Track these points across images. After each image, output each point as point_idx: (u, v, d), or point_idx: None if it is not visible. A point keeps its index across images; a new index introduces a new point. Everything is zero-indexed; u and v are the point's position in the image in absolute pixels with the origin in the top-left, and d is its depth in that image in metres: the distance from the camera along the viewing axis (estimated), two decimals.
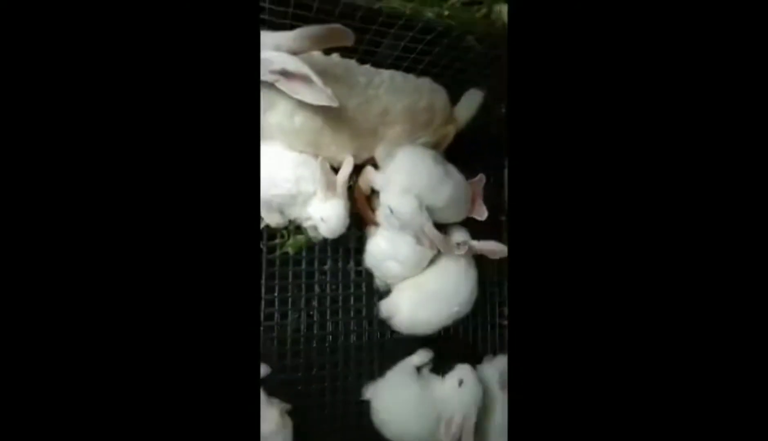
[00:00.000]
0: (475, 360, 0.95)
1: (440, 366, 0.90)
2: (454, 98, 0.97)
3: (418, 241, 0.84)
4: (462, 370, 0.84)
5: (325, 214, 0.83)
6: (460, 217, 0.95)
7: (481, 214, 0.95)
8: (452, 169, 0.93)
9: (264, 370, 0.84)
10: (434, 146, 0.96)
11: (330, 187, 0.82)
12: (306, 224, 0.88)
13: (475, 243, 0.88)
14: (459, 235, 0.93)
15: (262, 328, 0.87)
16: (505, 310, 1.07)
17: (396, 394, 0.87)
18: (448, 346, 0.99)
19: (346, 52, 0.85)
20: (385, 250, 0.88)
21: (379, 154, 0.88)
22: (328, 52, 0.83)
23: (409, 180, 0.85)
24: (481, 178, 0.96)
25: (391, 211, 0.84)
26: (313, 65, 0.72)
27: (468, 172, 0.97)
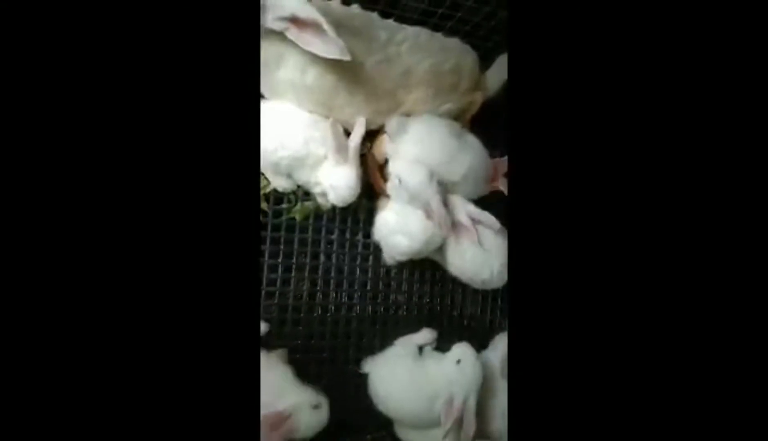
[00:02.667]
0: (480, 343, 0.91)
1: (445, 347, 0.87)
2: (486, 62, 0.88)
3: (428, 214, 0.79)
4: (460, 349, 0.80)
5: (335, 181, 0.78)
6: (480, 193, 0.88)
7: (506, 186, 0.88)
8: (472, 141, 0.85)
9: (264, 327, 0.83)
10: (459, 114, 0.89)
11: (341, 151, 0.76)
12: (315, 190, 0.83)
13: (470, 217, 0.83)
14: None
15: (263, 293, 0.86)
16: None
17: (393, 370, 0.84)
18: (453, 327, 0.96)
19: (367, 4, 0.77)
20: (394, 224, 0.83)
21: (391, 125, 0.81)
22: (347, 1, 0.75)
23: (421, 152, 0.80)
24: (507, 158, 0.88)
25: (400, 182, 0.78)
26: (329, 15, 0.65)
27: (495, 144, 0.89)
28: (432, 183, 0.78)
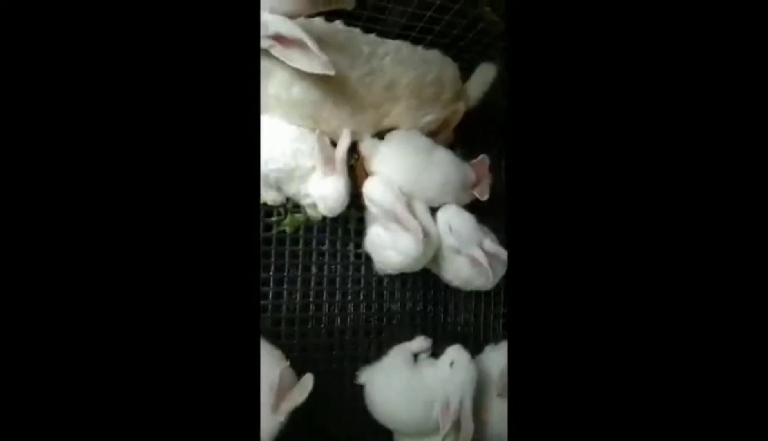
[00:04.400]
0: (475, 348, 0.92)
1: (440, 354, 0.87)
2: (466, 73, 0.91)
3: (401, 225, 0.80)
4: (453, 352, 0.81)
5: (325, 192, 0.79)
6: (463, 201, 0.90)
7: (482, 193, 0.89)
8: (442, 155, 0.87)
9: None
10: (442, 124, 0.91)
11: (329, 163, 0.78)
12: (305, 202, 0.85)
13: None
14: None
15: None
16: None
17: (389, 380, 0.84)
18: (447, 334, 0.96)
19: (350, 20, 0.80)
20: (385, 239, 0.84)
21: (365, 147, 0.84)
22: (330, 18, 0.78)
23: (391, 171, 0.83)
24: (482, 158, 0.90)
25: (369, 200, 0.81)
26: (313, 31, 0.67)
27: (481, 152, 0.91)
28: (399, 197, 0.80)
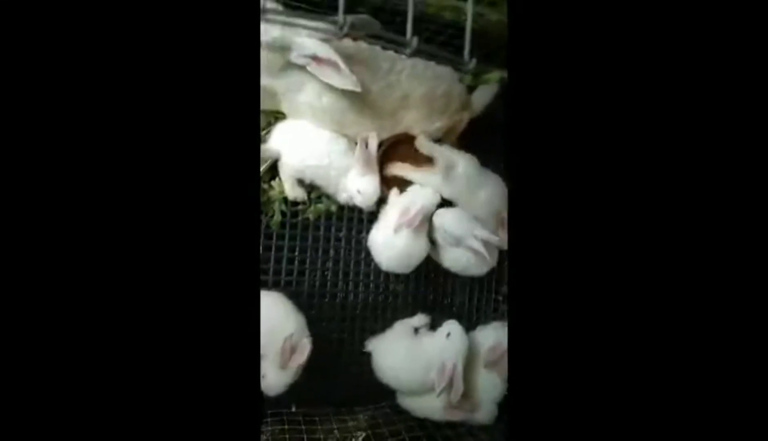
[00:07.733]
0: (467, 327, 1.06)
1: (437, 327, 1.01)
2: (472, 87, 1.04)
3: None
4: (450, 325, 0.96)
5: (362, 187, 0.94)
6: (490, 226, 1.02)
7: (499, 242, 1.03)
8: (491, 177, 1.02)
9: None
10: (449, 130, 1.04)
11: (366, 164, 0.92)
12: (341, 197, 0.98)
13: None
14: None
15: (282, 282, 1.00)
16: (503, 288, 1.16)
17: (392, 348, 0.99)
18: (444, 312, 1.10)
19: (372, 39, 0.92)
20: (382, 244, 0.99)
21: (439, 166, 0.99)
22: (356, 38, 0.90)
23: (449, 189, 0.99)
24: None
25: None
26: (341, 50, 0.80)
27: (482, 155, 1.04)
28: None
